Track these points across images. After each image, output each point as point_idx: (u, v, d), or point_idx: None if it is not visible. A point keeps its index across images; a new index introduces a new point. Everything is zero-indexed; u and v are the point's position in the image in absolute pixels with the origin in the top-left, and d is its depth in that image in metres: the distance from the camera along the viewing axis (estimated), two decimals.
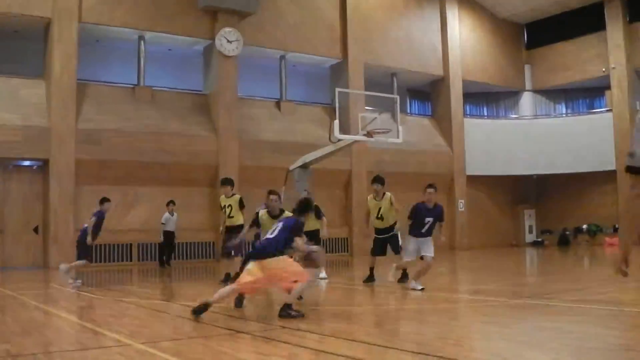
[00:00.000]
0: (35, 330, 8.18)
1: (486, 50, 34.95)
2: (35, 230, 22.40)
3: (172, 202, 21.73)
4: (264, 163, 25.30)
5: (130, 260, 23.00)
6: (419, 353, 6.10)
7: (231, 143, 25.08)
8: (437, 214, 11.79)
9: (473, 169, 32.34)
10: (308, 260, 9.25)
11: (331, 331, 7.73)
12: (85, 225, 15.21)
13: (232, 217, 14.68)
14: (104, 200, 15.32)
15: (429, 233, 11.83)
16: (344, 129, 19.57)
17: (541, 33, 35.88)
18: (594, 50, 33.54)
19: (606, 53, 32.64)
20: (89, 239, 14.80)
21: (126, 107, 23.87)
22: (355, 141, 20.69)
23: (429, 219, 11.71)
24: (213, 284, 15.46)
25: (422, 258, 11.88)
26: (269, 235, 8.91)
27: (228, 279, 14.44)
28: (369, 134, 19.23)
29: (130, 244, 23.20)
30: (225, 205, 14.78)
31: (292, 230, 8.82)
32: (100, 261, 22.44)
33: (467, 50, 33.77)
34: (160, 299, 12.39)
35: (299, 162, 20.78)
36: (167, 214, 21.64)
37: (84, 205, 22.45)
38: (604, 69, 32.81)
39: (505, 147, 33.22)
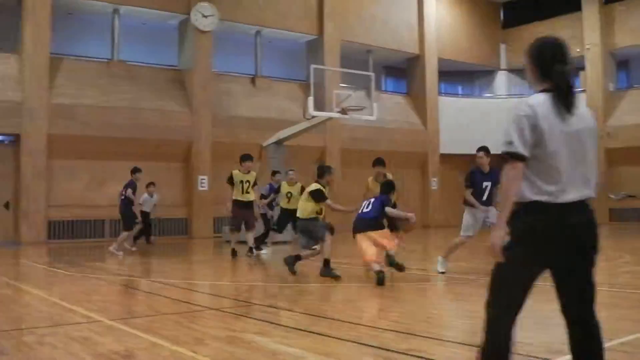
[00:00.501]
0: (5, 307, 8.15)
1: (462, 28, 34.99)
2: (6, 206, 22.20)
3: (152, 183, 21.33)
4: (239, 139, 25.21)
5: (103, 237, 22.89)
6: (389, 330, 6.16)
7: (206, 118, 24.96)
8: (494, 177, 11.25)
9: (447, 147, 32.44)
10: (407, 225, 10.95)
11: (303, 308, 7.78)
12: (123, 196, 16.60)
13: (249, 192, 15.02)
14: (135, 170, 16.76)
15: (489, 202, 11.21)
16: (318, 106, 19.58)
17: (517, 12, 35.95)
18: (569, 30, 33.66)
19: (581, 34, 32.81)
20: (133, 207, 16.69)
21: (100, 82, 23.64)
22: (330, 118, 20.71)
23: (487, 184, 11.30)
24: (186, 260, 15.47)
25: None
26: (366, 210, 10.64)
27: (236, 254, 14.75)
28: (343, 111, 19.27)
29: (103, 220, 23.06)
30: (242, 181, 14.96)
31: (383, 204, 10.58)
32: (72, 237, 22.34)
33: (443, 29, 33.77)
34: (132, 275, 12.37)
35: (274, 139, 20.80)
36: (146, 195, 21.25)
37: (57, 181, 22.32)
38: (578, 50, 32.98)
39: (480, 126, 33.26)
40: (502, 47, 36.61)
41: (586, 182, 3.53)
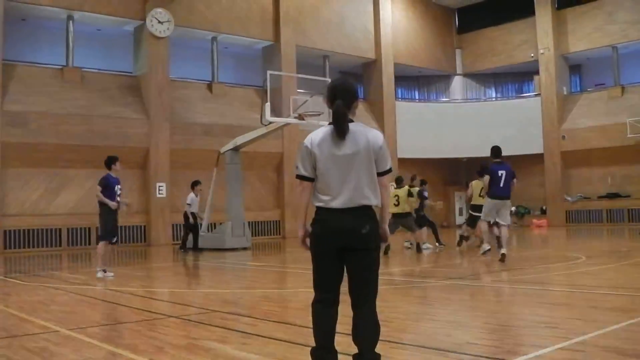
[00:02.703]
0: None
1: (418, 34, 35.26)
2: None
3: (199, 182, 20.42)
4: (195, 145, 25.13)
5: (60, 245, 22.61)
6: (347, 334, 6.17)
7: (162, 125, 24.80)
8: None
9: (404, 152, 32.65)
10: None
11: (262, 314, 7.76)
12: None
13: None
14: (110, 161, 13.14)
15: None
16: (275, 112, 19.57)
17: (472, 18, 36.38)
18: (523, 35, 34.17)
19: (535, 39, 33.29)
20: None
21: (54, 89, 23.37)
22: (287, 124, 20.71)
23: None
24: (145, 268, 15.33)
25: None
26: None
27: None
28: (300, 117, 19.27)
29: (60, 229, 22.77)
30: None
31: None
32: (28, 247, 22.03)
33: (399, 34, 34.00)
34: (89, 284, 12.22)
35: (231, 145, 20.72)
36: (192, 195, 20.28)
37: (11, 190, 22.00)
38: (532, 54, 33.46)
39: (436, 130, 33.62)
40: (458, 52, 37.01)
41: (359, 193, 4.37)
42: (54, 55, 24.45)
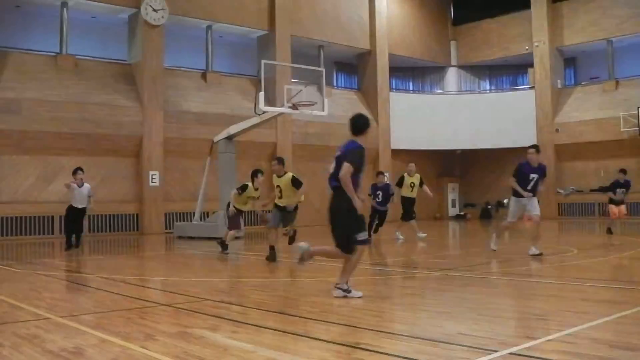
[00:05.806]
0: None
1: (413, 25, 35.23)
2: None
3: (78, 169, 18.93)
4: (189, 134, 25.10)
5: (52, 233, 22.57)
6: (339, 324, 6.19)
7: (156, 114, 24.76)
8: (541, 171, 12.93)
9: (398, 143, 32.66)
10: None
11: (254, 303, 7.76)
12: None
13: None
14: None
15: (534, 192, 12.78)
16: (269, 101, 19.54)
17: (467, 10, 36.35)
18: (518, 28, 34.17)
19: (530, 31, 33.30)
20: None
21: (48, 76, 23.29)
22: (281, 113, 20.70)
23: (534, 176, 12.77)
24: (137, 256, 15.32)
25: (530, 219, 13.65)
26: None
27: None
28: (294, 107, 19.25)
29: (52, 216, 22.72)
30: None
31: None
32: (20, 234, 21.99)
33: (394, 25, 33.97)
34: (82, 272, 12.21)
35: (224, 134, 20.71)
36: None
37: (3, 177, 21.95)
38: (527, 47, 33.46)
39: (430, 122, 33.63)
40: (453, 43, 37.00)
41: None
42: (48, 42, 24.36)
